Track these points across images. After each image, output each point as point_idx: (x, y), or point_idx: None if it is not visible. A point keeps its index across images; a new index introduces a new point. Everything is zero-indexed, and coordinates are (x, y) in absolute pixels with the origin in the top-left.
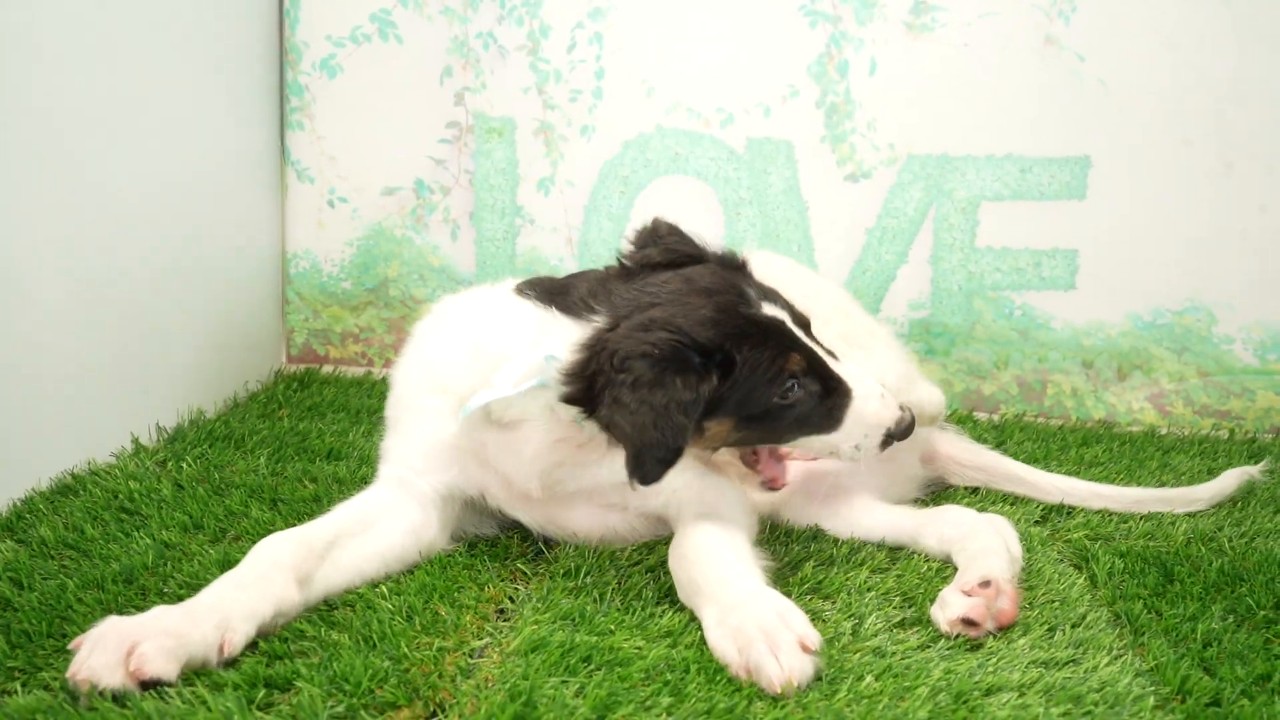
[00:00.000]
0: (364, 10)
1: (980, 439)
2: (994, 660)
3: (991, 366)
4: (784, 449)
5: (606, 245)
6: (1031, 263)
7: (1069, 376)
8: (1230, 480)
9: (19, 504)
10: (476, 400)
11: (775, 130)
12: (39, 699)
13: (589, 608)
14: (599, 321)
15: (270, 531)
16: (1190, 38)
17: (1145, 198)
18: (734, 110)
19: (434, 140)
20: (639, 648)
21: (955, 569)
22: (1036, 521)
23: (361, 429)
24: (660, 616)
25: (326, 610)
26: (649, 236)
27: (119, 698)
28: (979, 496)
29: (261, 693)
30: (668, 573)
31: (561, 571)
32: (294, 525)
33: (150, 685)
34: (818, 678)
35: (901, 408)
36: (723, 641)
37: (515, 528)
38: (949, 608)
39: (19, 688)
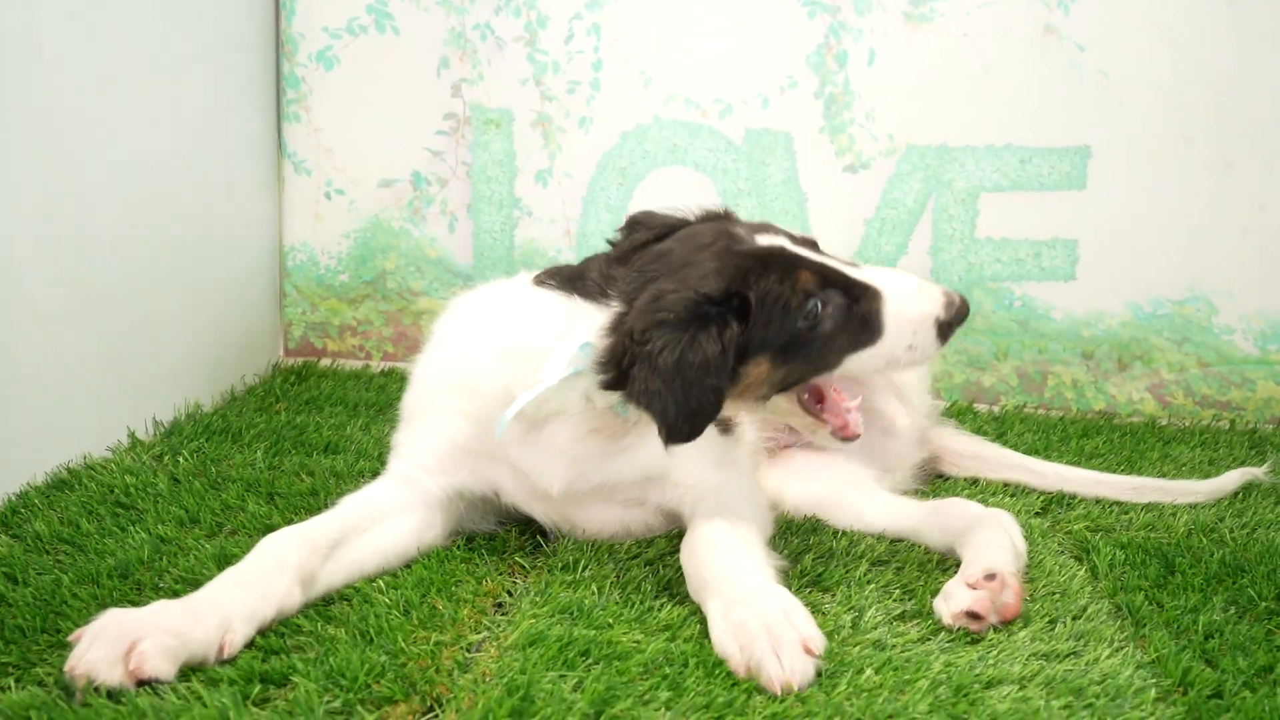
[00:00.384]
0: (360, 1)
1: (980, 431)
2: (994, 653)
3: (991, 358)
4: (845, 396)
5: (605, 237)
6: (1031, 253)
7: (1069, 367)
8: (1233, 479)
9: (14, 499)
10: (525, 396)
11: (774, 121)
12: (33, 695)
13: (587, 601)
14: (616, 305)
15: (267, 526)
16: (1190, 31)
17: (1145, 187)
18: (732, 101)
19: (431, 132)
20: (637, 641)
21: (955, 562)
22: (1037, 513)
23: (359, 422)
24: (659, 610)
25: (323, 605)
26: (629, 226)
27: (113, 693)
28: (979, 488)
29: (257, 688)
30: (666, 566)
31: (559, 565)
32: (291, 519)
33: (147, 683)
34: (818, 675)
35: (945, 292)
36: (725, 636)
37: (514, 521)
38: (953, 600)
39: (13, 684)
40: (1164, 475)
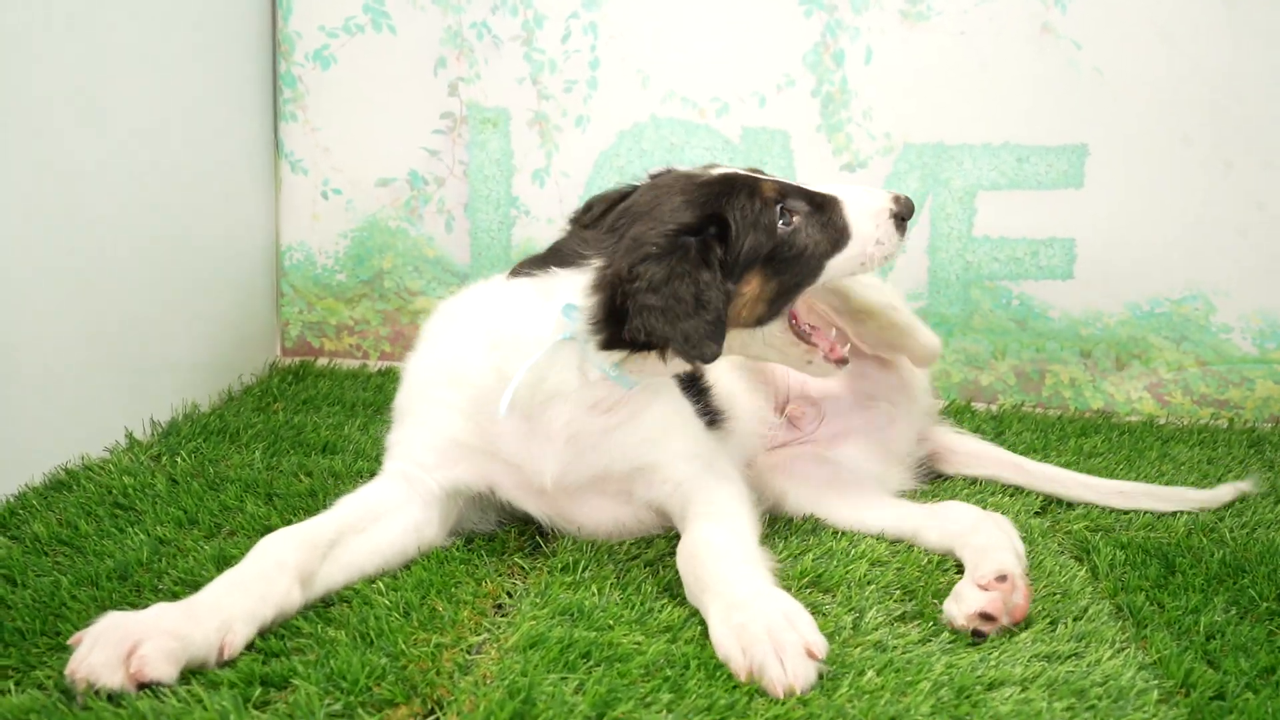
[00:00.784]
0: (357, 1)
1: (978, 430)
2: (996, 654)
3: (989, 357)
4: (837, 346)
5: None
6: (1029, 252)
7: (1067, 366)
8: (1225, 492)
9: (12, 500)
10: (520, 372)
11: (771, 120)
12: (33, 698)
13: (588, 603)
14: (597, 262)
15: (265, 526)
16: (1185, 29)
17: (1142, 186)
18: (729, 100)
19: (428, 131)
20: (638, 643)
21: (955, 562)
22: (1036, 513)
23: (357, 422)
24: (660, 611)
25: (323, 607)
26: (585, 207)
27: (114, 696)
28: (978, 488)
29: (258, 691)
30: (666, 567)
31: (560, 566)
32: (290, 520)
33: (148, 685)
34: (820, 679)
35: (888, 191)
36: (726, 639)
37: (513, 522)
38: (965, 602)
39: (12, 686)
40: (1162, 474)
